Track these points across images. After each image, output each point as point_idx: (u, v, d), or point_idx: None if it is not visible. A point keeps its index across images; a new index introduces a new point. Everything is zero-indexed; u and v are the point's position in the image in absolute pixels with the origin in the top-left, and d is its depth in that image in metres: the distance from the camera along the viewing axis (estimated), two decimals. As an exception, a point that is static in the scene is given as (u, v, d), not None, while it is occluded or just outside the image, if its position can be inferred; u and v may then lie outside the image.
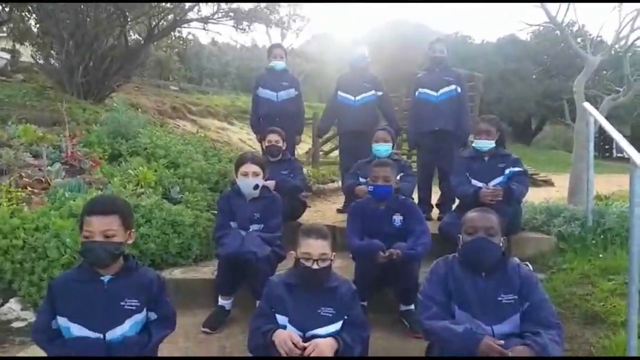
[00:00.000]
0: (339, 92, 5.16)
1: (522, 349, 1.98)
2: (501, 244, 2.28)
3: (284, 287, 2.30)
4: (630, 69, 6.48)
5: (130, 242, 2.07)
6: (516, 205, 3.72)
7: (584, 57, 6.03)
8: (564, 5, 5.86)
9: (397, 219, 3.21)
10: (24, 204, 3.51)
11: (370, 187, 3.26)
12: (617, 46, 6.57)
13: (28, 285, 3.03)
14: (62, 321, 1.97)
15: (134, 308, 2.02)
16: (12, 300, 3.02)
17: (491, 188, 3.63)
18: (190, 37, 19.07)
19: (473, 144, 3.94)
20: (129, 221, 2.06)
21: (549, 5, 5.86)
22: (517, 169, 3.78)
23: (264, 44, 23.29)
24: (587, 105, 4.21)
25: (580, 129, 5.44)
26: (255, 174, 3.31)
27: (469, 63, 20.55)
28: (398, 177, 4.03)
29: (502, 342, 2.04)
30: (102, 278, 2.02)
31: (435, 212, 5.01)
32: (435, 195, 5.08)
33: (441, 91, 4.78)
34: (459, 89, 4.80)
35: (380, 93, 5.11)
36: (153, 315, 2.09)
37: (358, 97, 5.04)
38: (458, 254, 2.35)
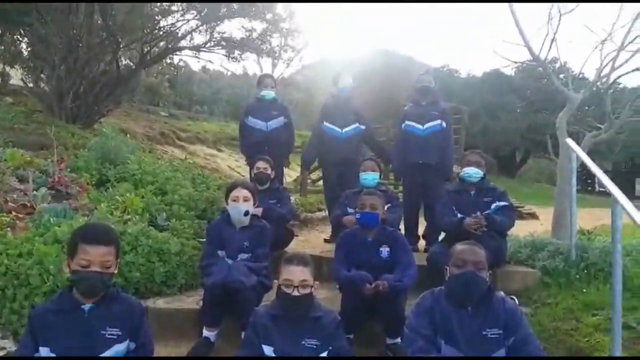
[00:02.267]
0: (325, 123, 5.17)
1: None
2: (487, 278, 2.31)
3: (269, 318, 2.30)
4: (611, 107, 6.67)
5: (115, 271, 2.07)
6: (501, 239, 3.76)
7: (565, 94, 6.20)
8: (547, 42, 6.05)
9: (384, 250, 3.23)
10: (8, 229, 3.46)
11: (357, 215, 3.29)
12: (598, 84, 6.77)
13: (9, 313, 2.95)
14: (43, 351, 1.94)
15: (115, 337, 2.00)
16: (-9, 328, 2.95)
17: (475, 218, 3.66)
18: (181, 63, 19.28)
19: (461, 174, 3.98)
20: (119, 251, 2.09)
21: (532, 42, 6.05)
22: (502, 203, 3.84)
23: (255, 72, 23.58)
24: (569, 141, 4.32)
25: (563, 164, 5.55)
26: (246, 199, 3.32)
27: (456, 96, 20.98)
28: (385, 208, 4.06)
29: (487, 376, 2.05)
30: (82, 307, 2.00)
31: (421, 244, 5.03)
32: (421, 227, 5.11)
33: (427, 125, 4.85)
34: (444, 124, 4.88)
35: (363, 127, 5.17)
36: (132, 345, 2.07)
37: (345, 129, 5.09)
38: (445, 287, 2.37)
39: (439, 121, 4.87)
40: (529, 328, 2.31)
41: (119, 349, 2.01)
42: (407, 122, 4.98)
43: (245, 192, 3.33)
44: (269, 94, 5.29)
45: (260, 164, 4.42)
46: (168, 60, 12.93)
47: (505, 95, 26.41)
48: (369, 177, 4.31)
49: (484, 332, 2.24)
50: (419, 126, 4.88)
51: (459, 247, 2.37)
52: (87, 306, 2.00)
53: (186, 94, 21.69)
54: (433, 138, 4.84)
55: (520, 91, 26.96)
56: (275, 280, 2.38)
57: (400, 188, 6.11)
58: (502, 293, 2.42)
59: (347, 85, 5.25)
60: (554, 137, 6.47)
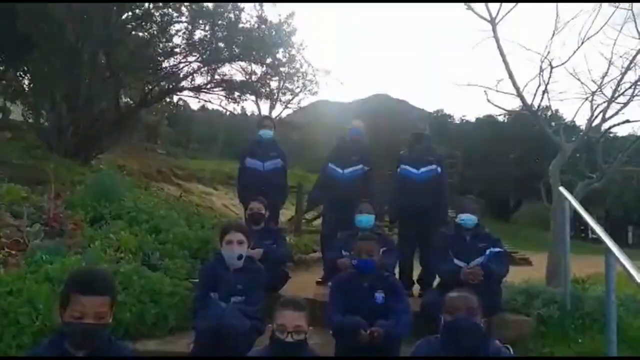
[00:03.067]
0: (329, 164, 5.28)
1: None
2: (481, 324, 2.30)
3: (262, 363, 2.25)
4: (602, 156, 6.79)
5: (110, 321, 1.97)
6: (496, 286, 3.75)
7: (557, 143, 6.33)
8: (540, 92, 6.23)
9: (379, 296, 3.21)
10: (0, 265, 3.42)
11: (354, 260, 3.28)
12: (589, 133, 6.91)
13: (-5, 353, 2.90)
14: None
15: None
16: (-25, 369, 2.87)
17: (472, 268, 3.68)
18: (180, 102, 19.55)
19: (457, 220, 4.04)
20: (115, 299, 1.99)
21: (524, 91, 6.22)
22: (497, 249, 3.86)
23: (253, 111, 23.95)
24: (562, 190, 4.39)
25: (556, 211, 5.60)
26: (240, 243, 3.30)
27: (449, 141, 21.30)
28: (380, 252, 4.06)
29: None
30: (75, 357, 1.90)
31: (416, 288, 4.99)
32: (416, 271, 5.09)
33: (422, 169, 4.91)
34: (439, 169, 4.95)
35: (367, 168, 5.24)
36: None
37: (346, 170, 5.16)
38: (440, 335, 2.35)
39: (434, 166, 4.94)
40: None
41: None
42: (402, 166, 5.04)
43: (239, 236, 3.31)
44: (267, 133, 5.39)
45: (255, 205, 4.44)
46: (168, 99, 13.13)
47: (499, 142, 26.81)
48: (364, 219, 4.31)
49: (480, 383, 2.21)
50: (415, 170, 4.94)
51: (451, 294, 2.39)
52: (79, 353, 1.89)
53: (184, 132, 21.92)
54: (429, 182, 4.90)
55: (512, 138, 27.38)
56: (270, 325, 2.34)
57: (395, 230, 6.12)
58: (498, 342, 2.40)
59: (358, 128, 5.38)
60: (547, 183, 6.55)
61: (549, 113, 17.82)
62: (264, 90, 11.66)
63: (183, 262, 4.34)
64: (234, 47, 9.81)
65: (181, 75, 10.43)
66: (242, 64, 11.11)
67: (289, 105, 14.72)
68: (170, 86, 10.50)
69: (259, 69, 11.44)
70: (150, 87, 9.91)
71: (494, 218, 24.31)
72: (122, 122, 9.28)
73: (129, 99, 10.93)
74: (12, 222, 4.22)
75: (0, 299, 3.05)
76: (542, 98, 6.24)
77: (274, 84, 12.33)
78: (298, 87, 13.15)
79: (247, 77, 11.37)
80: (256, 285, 3.28)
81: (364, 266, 3.22)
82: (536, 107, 6.45)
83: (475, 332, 2.27)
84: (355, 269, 3.27)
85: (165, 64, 10.21)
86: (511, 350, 2.74)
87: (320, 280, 5.09)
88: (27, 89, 10.04)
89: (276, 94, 12.67)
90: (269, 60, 10.94)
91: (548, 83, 6.14)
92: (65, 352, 1.90)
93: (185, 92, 11.22)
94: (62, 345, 1.90)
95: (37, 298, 3.09)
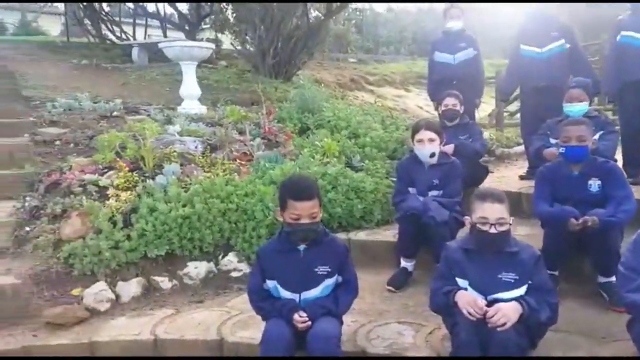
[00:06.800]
0: (522, 45, 4.66)
1: None
2: None
3: (462, 252, 2.31)
4: None
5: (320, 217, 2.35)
6: None
7: None
8: None
9: (594, 184, 2.91)
10: (235, 173, 4.13)
11: (562, 148, 2.99)
12: None
13: (242, 242, 3.63)
14: (270, 283, 2.39)
15: (325, 273, 2.34)
16: (230, 254, 3.65)
17: None
18: (366, 6, 19.31)
19: None
20: (321, 199, 2.35)
21: None
22: None
23: (441, 4, 22.30)
24: None
25: None
26: (431, 141, 3.31)
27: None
28: (597, 136, 3.61)
29: None
30: (298, 248, 2.35)
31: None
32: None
33: None
34: None
35: (568, 45, 4.52)
36: (339, 279, 2.39)
37: (545, 49, 4.52)
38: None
39: None
40: None
41: (328, 282, 2.36)
42: (623, 33, 4.25)
43: (429, 134, 3.31)
44: (455, 25, 5.05)
45: (449, 101, 4.29)
46: (353, 5, 13.05)
47: None
48: (575, 109, 3.75)
49: None
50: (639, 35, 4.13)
51: None
52: (302, 247, 2.35)
53: (373, 37, 21.81)
54: None
55: None
56: (467, 217, 2.34)
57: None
58: None
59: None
60: None
61: None
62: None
63: (382, 163, 4.58)
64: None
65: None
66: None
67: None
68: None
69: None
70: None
71: None
72: (313, 36, 9.63)
73: (317, 12, 11.20)
74: (239, 138, 4.96)
75: (239, 200, 3.73)
76: None
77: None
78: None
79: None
80: (452, 179, 3.32)
81: (574, 154, 2.91)
82: None
83: None
84: (564, 157, 2.98)
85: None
86: None
87: (523, 174, 4.80)
88: (231, 19, 11.12)
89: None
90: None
91: None
92: (292, 243, 2.36)
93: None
94: (288, 239, 2.36)
95: (266, 197, 3.68)
